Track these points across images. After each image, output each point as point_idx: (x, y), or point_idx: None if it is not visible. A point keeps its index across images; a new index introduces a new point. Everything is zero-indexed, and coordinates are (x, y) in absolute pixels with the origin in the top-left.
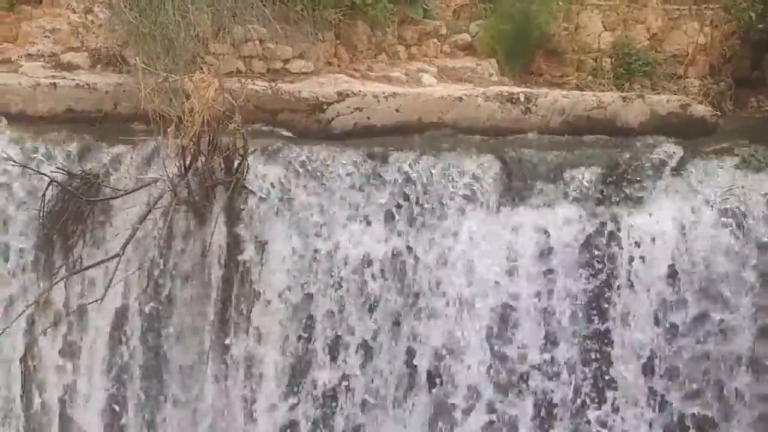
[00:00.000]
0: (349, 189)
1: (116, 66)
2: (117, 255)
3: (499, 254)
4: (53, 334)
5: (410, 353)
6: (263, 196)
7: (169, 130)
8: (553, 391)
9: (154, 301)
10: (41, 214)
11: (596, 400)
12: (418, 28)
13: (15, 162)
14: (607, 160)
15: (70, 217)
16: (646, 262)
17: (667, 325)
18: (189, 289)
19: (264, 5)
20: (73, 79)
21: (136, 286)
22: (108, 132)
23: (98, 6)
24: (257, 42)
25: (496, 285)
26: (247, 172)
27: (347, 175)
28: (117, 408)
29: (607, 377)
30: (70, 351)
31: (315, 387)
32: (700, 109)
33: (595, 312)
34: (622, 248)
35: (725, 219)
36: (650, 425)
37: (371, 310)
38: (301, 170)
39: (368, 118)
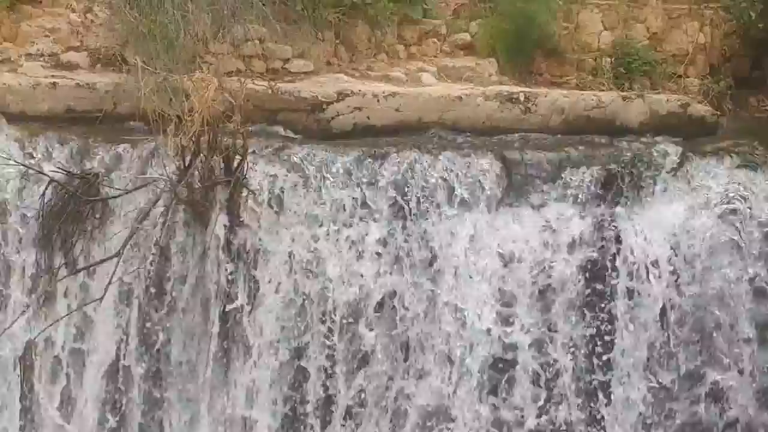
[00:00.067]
0: (348, 188)
1: (116, 65)
2: (117, 255)
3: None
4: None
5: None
6: (262, 194)
7: (168, 129)
8: None
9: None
10: (41, 214)
11: None
12: (418, 27)
13: (15, 161)
14: (606, 160)
15: (70, 216)
16: (645, 262)
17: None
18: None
19: (264, 5)
20: (73, 79)
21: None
22: (108, 131)
23: (98, 5)
24: (257, 41)
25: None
26: (246, 171)
27: (347, 174)
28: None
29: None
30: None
31: None
32: (700, 109)
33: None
34: (622, 248)
35: (725, 219)
36: None
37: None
38: (300, 169)
39: (368, 117)
